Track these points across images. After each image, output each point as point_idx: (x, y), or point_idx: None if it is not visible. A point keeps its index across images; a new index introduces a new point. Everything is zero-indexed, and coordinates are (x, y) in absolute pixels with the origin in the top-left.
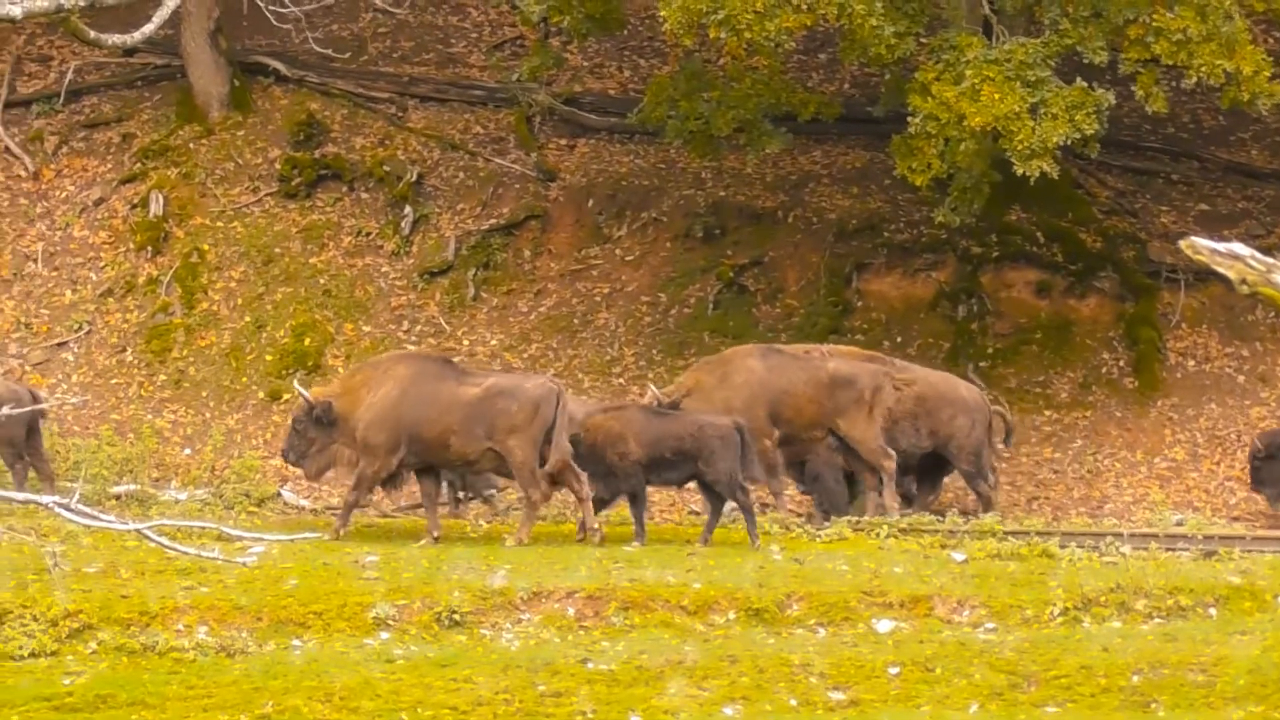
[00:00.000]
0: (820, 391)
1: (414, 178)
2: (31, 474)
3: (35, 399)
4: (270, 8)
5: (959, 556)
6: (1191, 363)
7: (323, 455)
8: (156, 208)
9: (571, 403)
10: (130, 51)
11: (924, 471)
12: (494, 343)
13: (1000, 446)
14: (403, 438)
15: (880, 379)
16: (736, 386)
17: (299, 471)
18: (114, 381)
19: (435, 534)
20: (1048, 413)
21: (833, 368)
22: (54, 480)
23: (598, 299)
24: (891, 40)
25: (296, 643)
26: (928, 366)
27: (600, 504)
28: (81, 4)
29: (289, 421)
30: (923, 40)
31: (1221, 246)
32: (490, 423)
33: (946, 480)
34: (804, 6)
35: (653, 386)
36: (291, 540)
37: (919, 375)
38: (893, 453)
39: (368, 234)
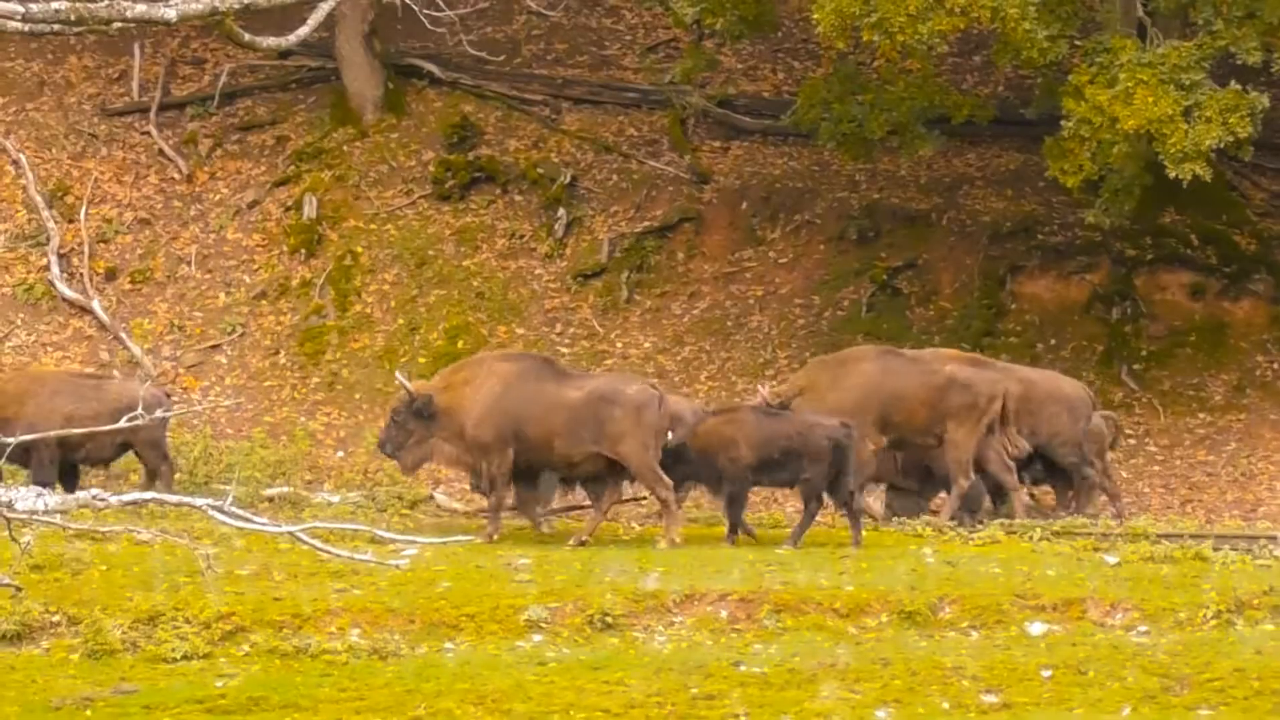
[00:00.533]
0: (934, 395)
1: (568, 180)
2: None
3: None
4: (425, 11)
5: (1112, 559)
6: None
7: (420, 448)
8: (310, 210)
9: (679, 403)
10: (285, 54)
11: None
12: (647, 345)
13: (1110, 453)
14: (509, 435)
15: (997, 388)
16: (848, 389)
17: (452, 474)
18: (267, 384)
19: (493, 534)
20: (1201, 415)
21: (949, 371)
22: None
23: (751, 301)
24: (1044, 44)
25: (449, 645)
26: (1082, 369)
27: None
28: (236, 6)
29: (389, 412)
30: (1076, 43)
31: None
32: (598, 428)
33: (1054, 483)
34: (957, 9)
35: (762, 387)
36: (444, 543)
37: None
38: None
39: (521, 236)
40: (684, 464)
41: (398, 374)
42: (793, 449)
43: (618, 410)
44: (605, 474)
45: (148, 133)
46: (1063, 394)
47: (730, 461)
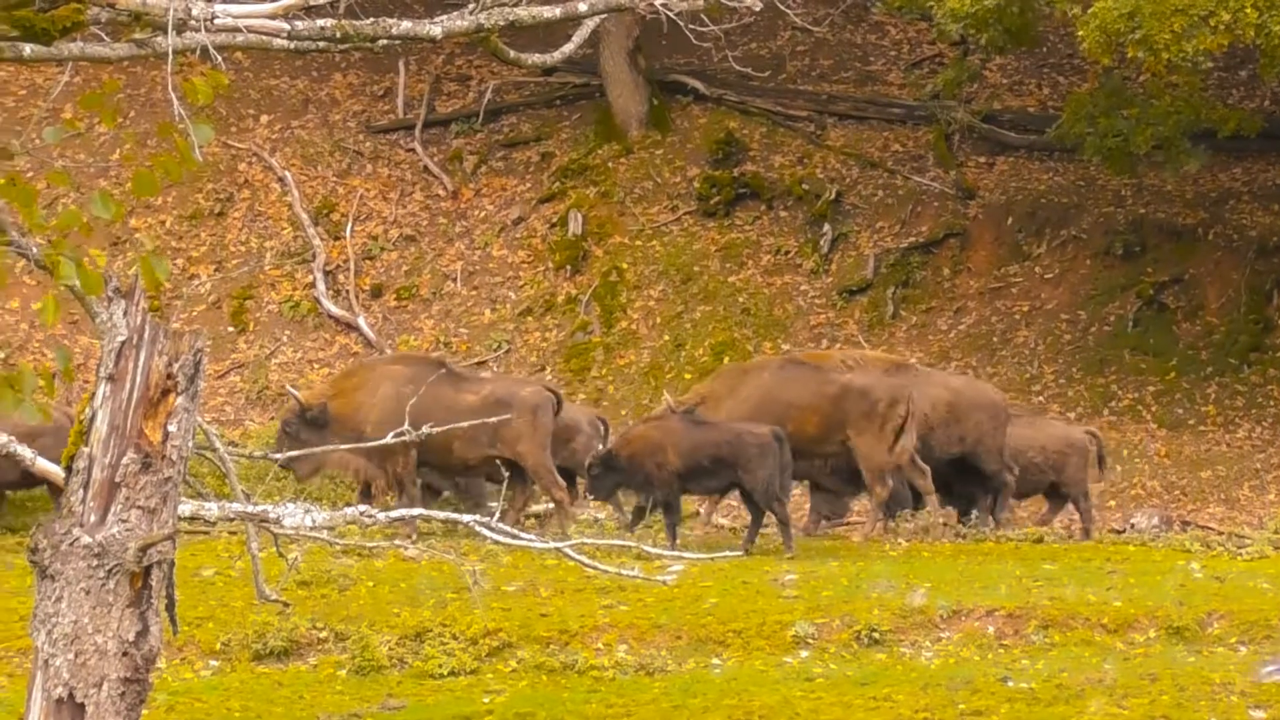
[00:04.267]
0: (827, 405)
1: (833, 196)
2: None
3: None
4: (690, 26)
5: None
6: None
7: (315, 457)
8: (575, 227)
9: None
10: (549, 71)
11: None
12: (913, 361)
13: (1095, 471)
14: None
15: (900, 393)
16: (744, 398)
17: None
18: None
19: None
20: None
21: (845, 381)
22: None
23: (1017, 317)
24: None
25: (716, 661)
26: None
27: (639, 514)
28: (501, 23)
29: (280, 424)
30: None
31: None
32: (493, 430)
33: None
34: (1221, 27)
35: (667, 394)
36: (712, 559)
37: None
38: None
39: (786, 252)
40: (614, 472)
41: (287, 385)
42: (721, 457)
43: (513, 412)
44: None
45: (413, 150)
46: (987, 401)
47: (658, 468)
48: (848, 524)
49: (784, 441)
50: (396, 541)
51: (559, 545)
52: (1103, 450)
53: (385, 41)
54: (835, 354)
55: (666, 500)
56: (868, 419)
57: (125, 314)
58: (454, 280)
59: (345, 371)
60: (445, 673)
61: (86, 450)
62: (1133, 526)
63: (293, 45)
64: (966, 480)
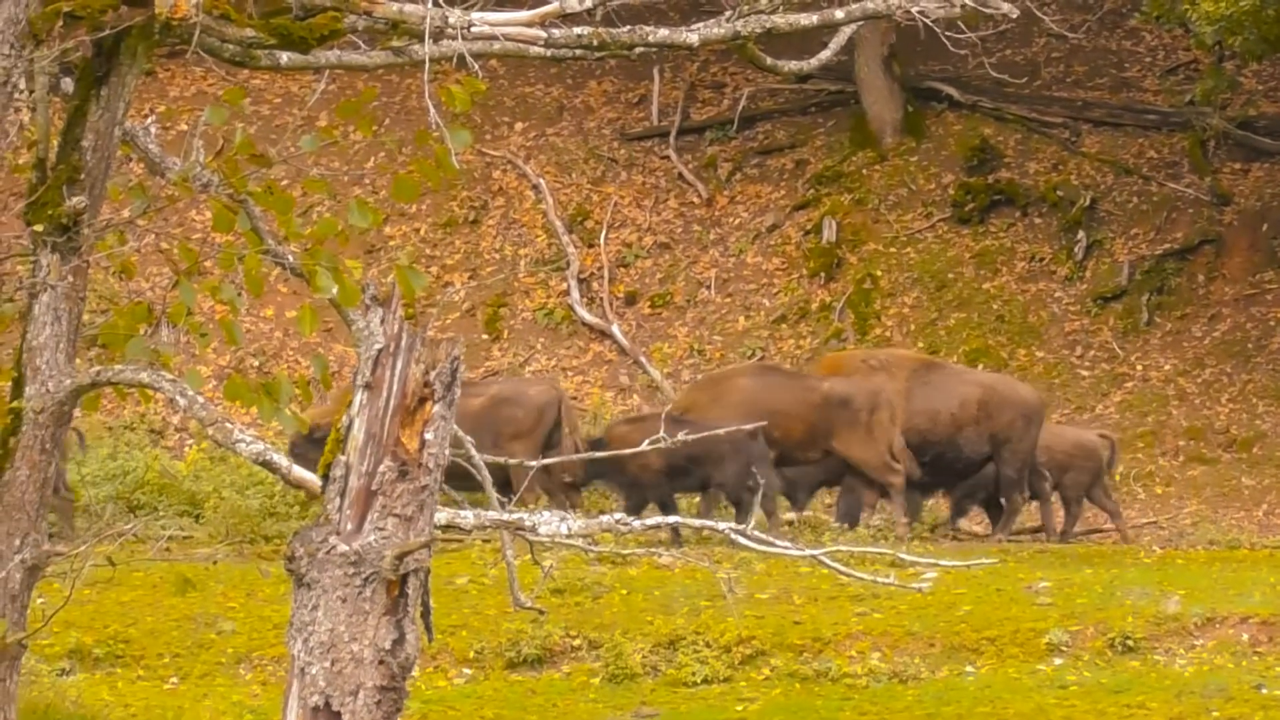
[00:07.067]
0: (810, 412)
1: (1087, 203)
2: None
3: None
4: (946, 33)
5: None
6: None
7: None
8: (829, 234)
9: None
10: (803, 78)
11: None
12: (1167, 368)
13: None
14: None
15: (879, 398)
16: (729, 405)
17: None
18: None
19: None
20: None
21: (826, 388)
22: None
23: (1273, 323)
24: None
25: (969, 669)
26: None
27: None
28: (758, 30)
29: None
30: None
31: None
32: (496, 430)
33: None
34: None
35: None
36: (967, 566)
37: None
38: (899, 468)
39: (1041, 259)
40: (598, 474)
41: (288, 410)
42: (696, 456)
43: (519, 412)
44: None
45: (667, 157)
46: (1020, 399)
47: (641, 469)
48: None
49: (758, 436)
50: (651, 549)
51: (814, 553)
52: (1115, 454)
53: (641, 49)
54: (859, 353)
55: (660, 500)
56: (851, 427)
57: (382, 322)
58: (708, 287)
59: (341, 391)
60: (698, 680)
61: (343, 458)
62: None
63: (549, 53)
64: (938, 475)
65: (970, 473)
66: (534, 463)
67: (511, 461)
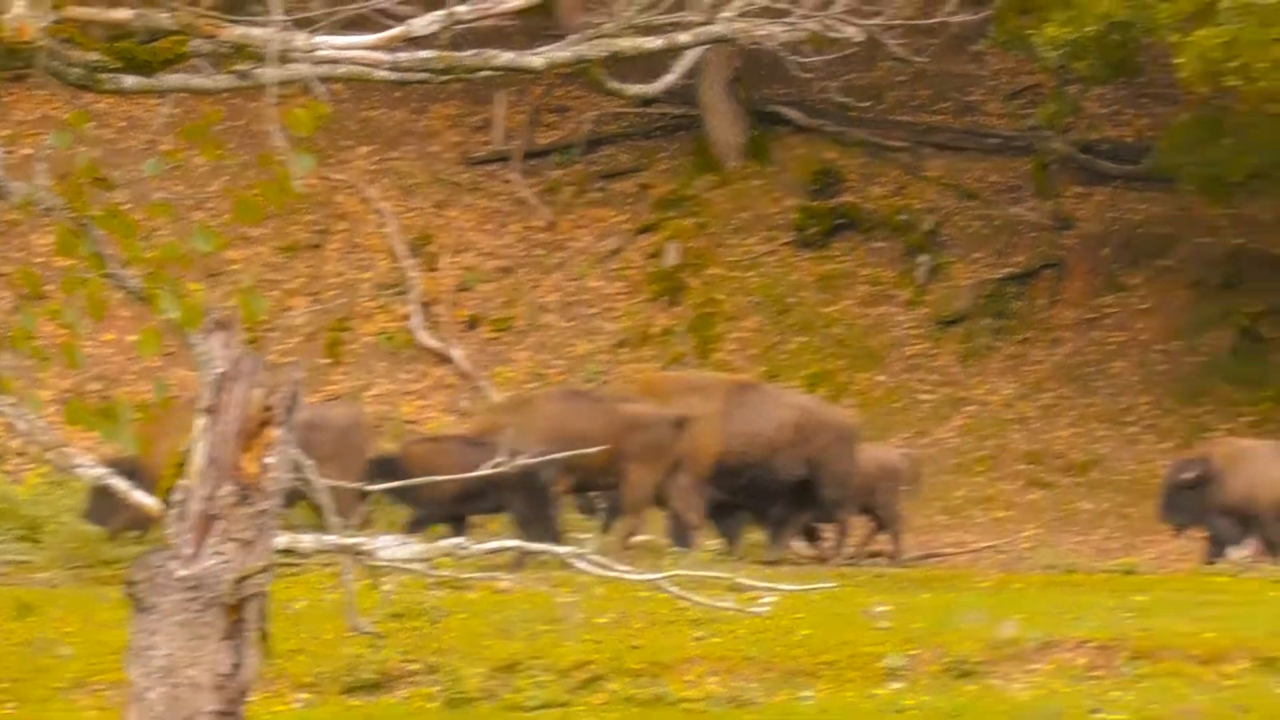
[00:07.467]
0: (612, 437)
1: (930, 226)
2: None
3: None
4: (792, 58)
5: None
6: None
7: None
8: (672, 258)
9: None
10: (648, 101)
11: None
12: (1007, 392)
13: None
14: None
15: (670, 425)
16: (532, 430)
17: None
18: None
19: None
20: None
21: (627, 412)
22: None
23: (1112, 348)
24: None
25: (807, 693)
26: None
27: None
28: (604, 54)
29: None
30: None
31: None
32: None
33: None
34: None
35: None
36: (806, 590)
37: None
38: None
39: (882, 283)
40: (391, 491)
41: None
42: (490, 480)
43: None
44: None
45: (510, 181)
46: (836, 423)
47: (433, 490)
48: (937, 555)
49: (551, 467)
50: (490, 574)
51: (653, 577)
52: (917, 472)
53: (486, 72)
54: (673, 376)
55: (450, 521)
56: (648, 450)
57: (224, 346)
58: (550, 311)
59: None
60: (536, 705)
61: (184, 483)
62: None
63: (395, 77)
64: (752, 498)
65: (783, 495)
66: (366, 486)
67: (336, 484)
